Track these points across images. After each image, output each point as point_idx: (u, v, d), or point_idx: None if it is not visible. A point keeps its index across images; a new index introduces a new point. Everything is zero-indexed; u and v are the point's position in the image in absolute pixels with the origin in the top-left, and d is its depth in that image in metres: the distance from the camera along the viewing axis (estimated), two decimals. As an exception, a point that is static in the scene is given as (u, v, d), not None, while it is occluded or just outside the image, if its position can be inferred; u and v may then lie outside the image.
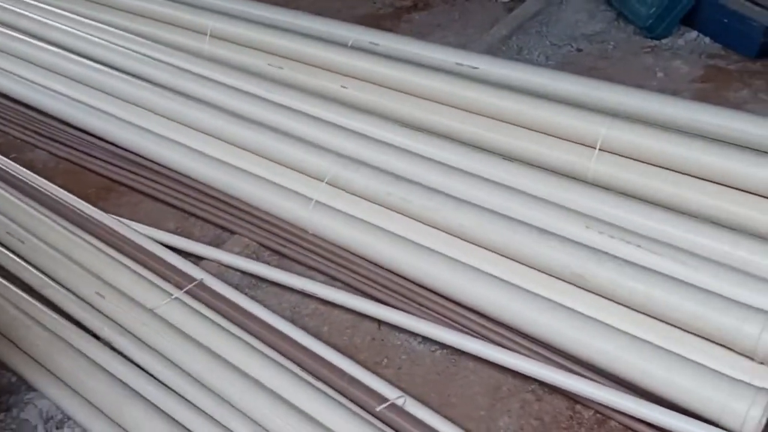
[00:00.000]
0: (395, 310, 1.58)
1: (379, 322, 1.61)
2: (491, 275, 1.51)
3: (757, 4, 2.42)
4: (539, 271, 1.49)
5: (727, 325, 1.26)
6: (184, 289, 1.66)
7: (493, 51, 2.73)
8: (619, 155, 1.70)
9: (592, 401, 1.35)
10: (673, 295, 1.32)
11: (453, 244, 1.61)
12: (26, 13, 2.72)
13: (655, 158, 1.66)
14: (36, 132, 2.35)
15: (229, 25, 2.45)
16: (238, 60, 2.39)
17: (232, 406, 1.36)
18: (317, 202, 1.79)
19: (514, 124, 1.86)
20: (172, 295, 1.63)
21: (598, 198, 1.60)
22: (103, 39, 2.52)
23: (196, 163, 2.02)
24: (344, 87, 2.18)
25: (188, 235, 1.95)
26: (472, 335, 1.50)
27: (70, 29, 2.60)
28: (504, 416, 1.40)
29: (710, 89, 2.32)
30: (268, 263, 1.83)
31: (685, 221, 1.51)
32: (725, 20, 2.51)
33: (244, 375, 1.41)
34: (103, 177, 2.18)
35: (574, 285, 1.45)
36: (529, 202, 1.62)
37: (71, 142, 2.28)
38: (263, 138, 1.97)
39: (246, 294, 1.73)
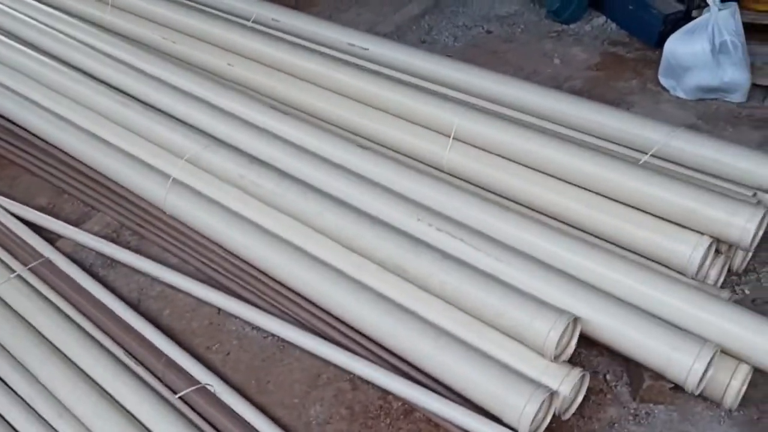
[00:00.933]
0: (231, 297, 1.58)
1: (218, 308, 1.61)
2: (324, 263, 1.51)
3: (661, -8, 2.40)
4: (368, 259, 1.49)
5: (522, 321, 1.26)
6: (29, 266, 1.66)
7: (403, 30, 2.70)
8: (471, 146, 1.69)
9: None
10: (478, 290, 1.32)
11: (296, 229, 1.61)
12: None
13: (505, 151, 1.65)
14: None
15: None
16: (135, 32, 2.36)
17: (44, 388, 1.37)
18: (174, 180, 1.77)
19: (378, 109, 1.85)
20: (14, 272, 1.63)
21: (438, 189, 1.59)
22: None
23: (69, 136, 1.99)
24: (230, 65, 2.16)
25: (59, 211, 1.94)
26: (301, 324, 1.51)
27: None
28: (317, 404, 1.41)
29: (602, 78, 2.29)
30: (128, 242, 1.83)
31: (513, 218, 1.50)
32: (630, 7, 2.48)
33: (63, 358, 1.42)
34: (-14, 149, 2.17)
35: (397, 275, 1.45)
36: (371, 189, 1.61)
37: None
38: (132, 113, 1.94)
39: (98, 273, 1.74)
